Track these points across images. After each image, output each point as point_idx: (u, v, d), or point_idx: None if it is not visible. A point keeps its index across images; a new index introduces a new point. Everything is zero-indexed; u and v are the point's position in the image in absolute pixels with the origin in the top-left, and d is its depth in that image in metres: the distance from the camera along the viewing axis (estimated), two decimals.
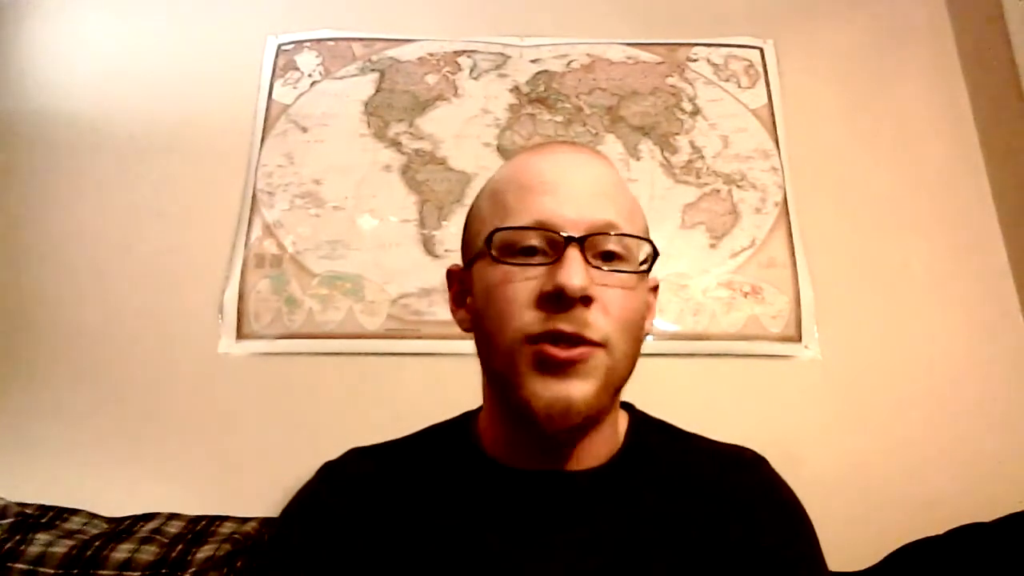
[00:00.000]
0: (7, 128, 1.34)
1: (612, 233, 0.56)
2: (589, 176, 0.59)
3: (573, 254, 0.54)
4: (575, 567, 0.56)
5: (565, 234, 0.55)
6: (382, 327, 1.20)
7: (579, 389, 0.54)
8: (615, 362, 0.56)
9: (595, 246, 0.56)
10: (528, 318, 0.54)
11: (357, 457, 0.67)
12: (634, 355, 0.59)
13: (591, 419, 0.56)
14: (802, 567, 0.58)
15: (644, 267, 0.58)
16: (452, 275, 0.67)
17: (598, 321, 0.54)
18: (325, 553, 0.59)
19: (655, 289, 0.67)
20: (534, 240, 0.56)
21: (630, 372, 0.60)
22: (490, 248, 0.57)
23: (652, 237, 0.62)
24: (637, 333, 0.59)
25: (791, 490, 0.63)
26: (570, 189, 0.57)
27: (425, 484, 0.62)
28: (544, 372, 0.54)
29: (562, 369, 0.54)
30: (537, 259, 0.56)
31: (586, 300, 0.54)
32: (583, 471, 0.60)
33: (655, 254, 0.59)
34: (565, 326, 0.53)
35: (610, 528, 0.57)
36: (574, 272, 0.53)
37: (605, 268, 0.56)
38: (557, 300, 0.53)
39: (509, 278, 0.56)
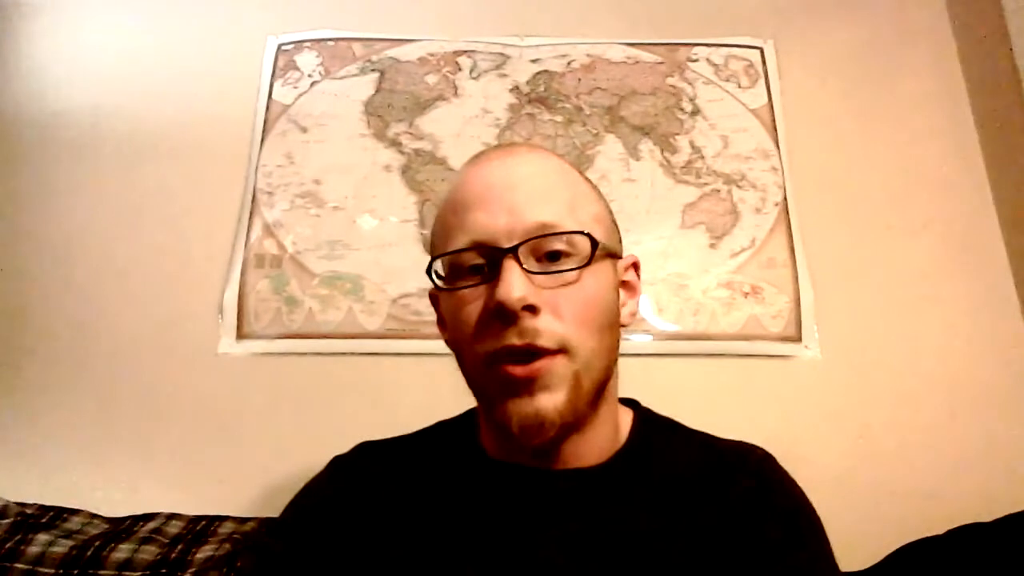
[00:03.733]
0: (6, 128, 1.34)
1: (547, 235, 0.55)
2: (519, 180, 0.58)
3: (508, 265, 0.54)
4: (575, 563, 0.56)
5: (499, 247, 0.54)
6: (382, 327, 1.20)
7: (547, 402, 0.54)
8: (582, 364, 0.55)
9: (537, 249, 0.55)
10: (483, 339, 0.55)
11: (366, 451, 0.68)
12: (607, 348, 0.58)
13: (568, 427, 0.56)
14: (808, 563, 0.58)
15: (587, 259, 0.56)
16: (434, 298, 0.67)
17: (550, 327, 0.54)
18: (331, 544, 0.60)
19: (635, 266, 0.66)
20: (475, 259, 0.56)
21: (608, 366, 0.59)
22: (435, 277, 0.58)
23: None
24: (603, 324, 0.57)
25: (798, 486, 0.63)
26: (498, 198, 0.57)
27: (430, 480, 0.63)
28: (510, 392, 0.54)
29: (525, 387, 0.54)
30: (481, 277, 0.56)
31: (531, 308, 0.53)
32: (582, 468, 0.60)
33: (593, 243, 0.57)
34: (515, 340, 0.53)
35: (610, 524, 0.58)
36: (512, 284, 0.53)
37: (548, 271, 0.55)
38: (501, 316, 0.53)
39: (461, 302, 0.56)
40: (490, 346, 0.54)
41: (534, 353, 0.53)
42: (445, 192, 0.63)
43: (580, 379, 0.55)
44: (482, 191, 0.58)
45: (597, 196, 0.64)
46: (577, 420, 0.56)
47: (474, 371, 0.57)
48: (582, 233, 0.57)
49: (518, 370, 0.53)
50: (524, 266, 0.54)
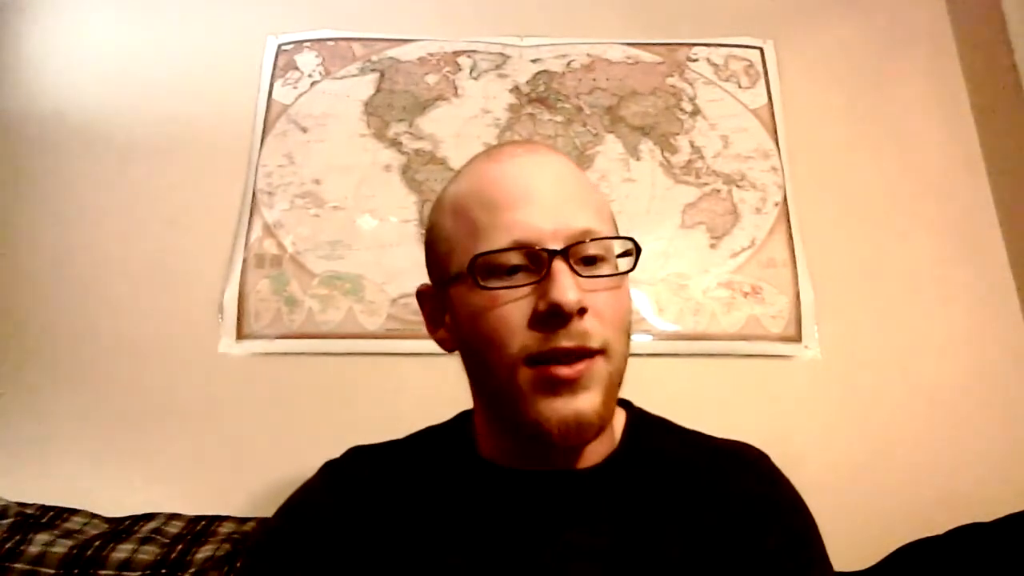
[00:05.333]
0: (6, 128, 1.34)
1: (591, 239, 0.56)
2: (555, 180, 0.58)
3: (560, 267, 0.53)
4: (575, 567, 0.56)
5: (548, 248, 0.54)
6: (382, 327, 1.20)
7: (587, 402, 0.54)
8: (614, 365, 0.56)
9: (576, 253, 0.55)
10: (525, 339, 0.54)
11: (358, 457, 0.68)
12: (628, 351, 0.59)
13: (603, 428, 0.56)
14: (804, 565, 0.58)
15: (627, 265, 0.58)
16: (422, 296, 0.66)
17: (595, 329, 0.54)
18: (322, 551, 0.59)
19: None
20: (516, 259, 0.55)
21: (625, 368, 0.60)
22: (474, 274, 0.55)
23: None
24: (629, 327, 0.59)
25: (793, 486, 0.63)
26: (541, 198, 0.56)
27: (424, 485, 0.62)
28: (549, 392, 0.54)
29: (567, 386, 0.53)
30: (520, 277, 0.55)
31: (581, 311, 0.53)
32: (581, 470, 0.60)
33: (638, 249, 0.58)
34: (567, 342, 0.53)
35: (610, 526, 0.58)
36: (567, 287, 0.52)
37: (592, 274, 0.56)
38: (555, 317, 0.53)
39: (496, 301, 0.55)
40: (535, 347, 0.53)
41: (581, 354, 0.54)
42: (460, 186, 0.61)
43: (612, 380, 0.56)
44: (518, 189, 0.57)
45: (604, 199, 0.65)
46: (608, 421, 0.57)
47: (504, 371, 0.55)
48: (630, 239, 0.58)
49: (564, 371, 0.53)
50: (574, 269, 0.54)
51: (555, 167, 0.60)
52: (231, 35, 1.41)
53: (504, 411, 0.57)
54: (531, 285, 0.54)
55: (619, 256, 0.60)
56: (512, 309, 0.54)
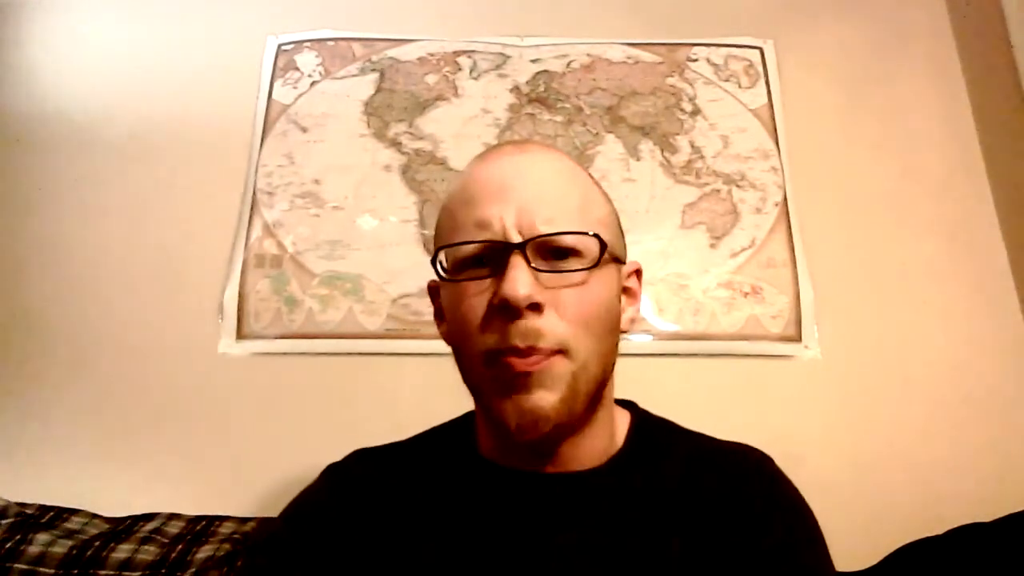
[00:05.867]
0: (6, 128, 1.34)
1: (556, 234, 0.55)
2: (532, 176, 0.58)
3: (515, 262, 0.53)
4: (574, 568, 0.56)
5: (506, 242, 0.54)
6: (382, 327, 1.20)
7: (544, 399, 0.53)
8: (580, 366, 0.55)
9: (544, 248, 0.55)
10: (484, 335, 0.54)
11: (361, 459, 0.68)
12: (606, 351, 0.58)
13: (564, 427, 0.55)
14: (807, 566, 0.58)
15: (596, 261, 0.56)
16: (432, 290, 0.67)
17: (553, 327, 0.54)
18: (326, 555, 0.59)
19: (638, 273, 0.66)
20: (479, 252, 0.56)
21: (606, 369, 0.59)
22: (439, 267, 0.57)
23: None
24: (605, 327, 0.57)
25: (796, 489, 0.63)
26: (512, 194, 0.56)
27: (426, 487, 0.62)
28: (507, 387, 0.54)
29: (524, 382, 0.53)
30: (485, 271, 0.55)
31: (535, 307, 0.53)
32: (580, 472, 0.60)
33: (603, 245, 0.57)
34: (518, 342, 0.53)
35: (610, 528, 0.57)
36: (518, 281, 0.52)
37: (555, 269, 0.55)
38: (505, 311, 0.53)
39: (463, 295, 0.56)
40: (492, 343, 0.54)
41: (533, 352, 0.53)
42: (453, 185, 0.63)
43: (577, 380, 0.55)
44: (494, 186, 0.57)
45: (605, 200, 0.64)
46: (573, 421, 0.56)
47: (473, 366, 0.56)
48: (591, 234, 0.57)
49: (518, 362, 0.53)
50: (531, 264, 0.54)
51: (540, 164, 0.60)
52: (231, 35, 1.41)
53: (479, 403, 0.59)
54: (491, 279, 0.55)
55: (613, 259, 0.59)
56: (476, 302, 0.55)
